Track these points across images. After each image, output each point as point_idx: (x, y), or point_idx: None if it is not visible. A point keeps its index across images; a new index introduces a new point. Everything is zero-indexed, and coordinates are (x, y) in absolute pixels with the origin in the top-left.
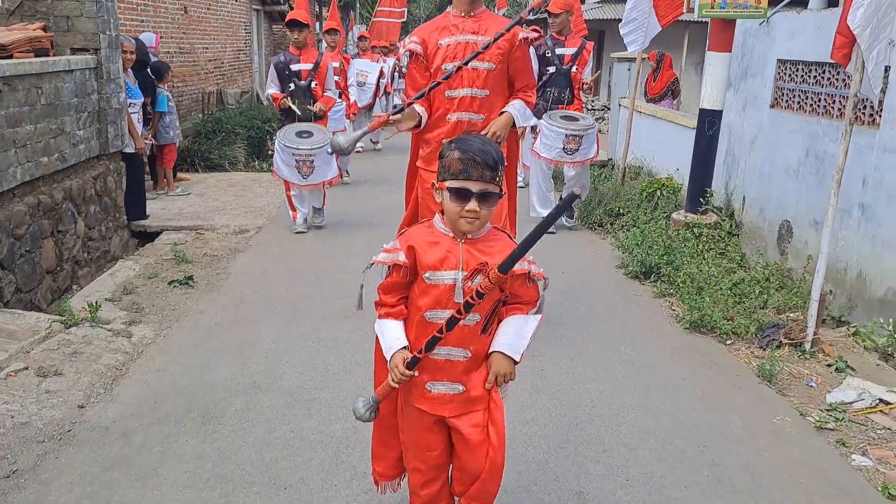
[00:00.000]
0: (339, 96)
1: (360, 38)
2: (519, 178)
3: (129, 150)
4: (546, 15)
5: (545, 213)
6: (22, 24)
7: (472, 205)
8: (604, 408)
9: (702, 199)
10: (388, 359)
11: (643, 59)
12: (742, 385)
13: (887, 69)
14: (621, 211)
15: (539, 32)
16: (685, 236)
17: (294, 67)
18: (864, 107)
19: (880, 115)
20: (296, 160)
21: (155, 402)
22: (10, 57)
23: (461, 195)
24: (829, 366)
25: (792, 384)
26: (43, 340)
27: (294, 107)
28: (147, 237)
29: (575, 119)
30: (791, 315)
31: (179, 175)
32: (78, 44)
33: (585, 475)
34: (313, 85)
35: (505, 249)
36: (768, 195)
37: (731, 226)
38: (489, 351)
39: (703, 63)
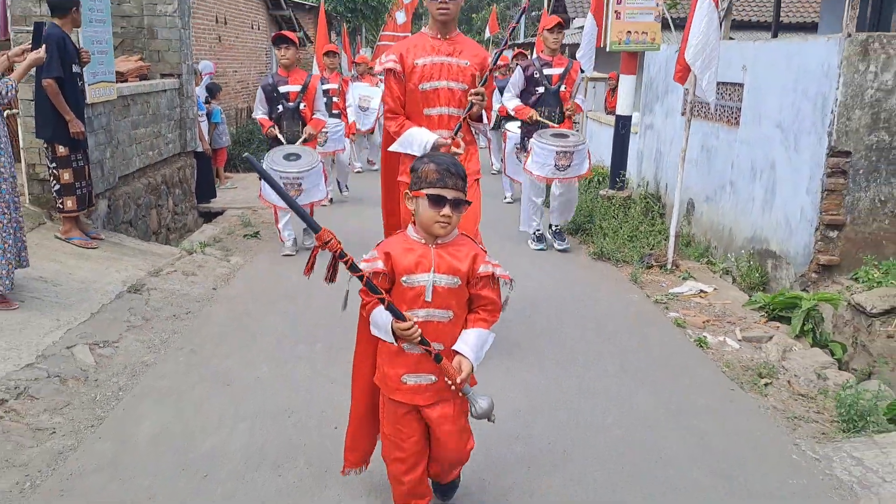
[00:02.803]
0: (339, 117)
1: (356, 63)
2: (507, 195)
3: (199, 149)
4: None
5: (533, 224)
6: (125, 56)
7: (447, 210)
8: (529, 289)
9: (617, 179)
10: (391, 335)
11: (604, 78)
12: (617, 285)
13: (742, 85)
14: None
15: (507, 64)
16: (605, 205)
17: (282, 89)
18: (733, 111)
19: (739, 117)
20: (284, 184)
21: (256, 289)
22: (126, 81)
23: (437, 202)
24: (679, 277)
25: (650, 285)
26: (178, 259)
27: (280, 136)
28: (210, 216)
29: (565, 136)
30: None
31: (225, 174)
32: (166, 71)
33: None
34: (302, 107)
35: (471, 253)
36: (678, 181)
37: (652, 202)
38: (454, 347)
39: None
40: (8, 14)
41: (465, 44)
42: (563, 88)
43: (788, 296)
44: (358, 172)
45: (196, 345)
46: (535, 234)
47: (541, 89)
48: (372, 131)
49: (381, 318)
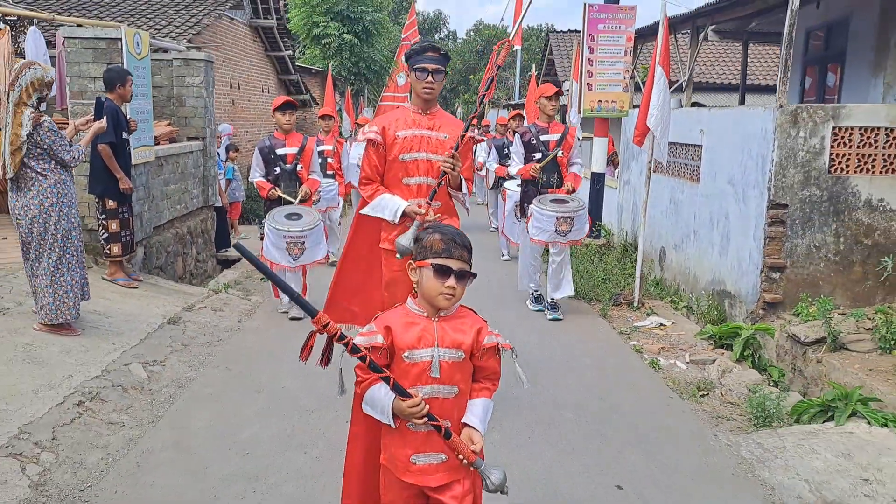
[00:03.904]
0: (333, 177)
1: (358, 124)
2: (504, 252)
3: (218, 204)
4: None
5: (532, 283)
6: (156, 122)
7: (452, 281)
8: (503, 326)
9: (593, 229)
10: (390, 416)
11: (589, 137)
12: (588, 319)
13: (701, 146)
14: None
15: (476, 137)
16: (582, 251)
17: (279, 152)
18: (694, 169)
19: (699, 174)
20: (286, 242)
21: (275, 321)
22: (158, 144)
23: (442, 272)
24: (644, 313)
25: (617, 319)
26: (207, 298)
27: (283, 195)
28: (227, 264)
29: (565, 202)
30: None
31: (239, 228)
32: (192, 134)
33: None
34: (298, 168)
35: (475, 325)
36: (653, 230)
37: (631, 250)
38: (463, 420)
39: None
40: (67, 90)
41: (444, 119)
42: (560, 154)
43: (731, 326)
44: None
45: (230, 363)
46: (533, 294)
47: (538, 155)
48: None
49: (379, 397)
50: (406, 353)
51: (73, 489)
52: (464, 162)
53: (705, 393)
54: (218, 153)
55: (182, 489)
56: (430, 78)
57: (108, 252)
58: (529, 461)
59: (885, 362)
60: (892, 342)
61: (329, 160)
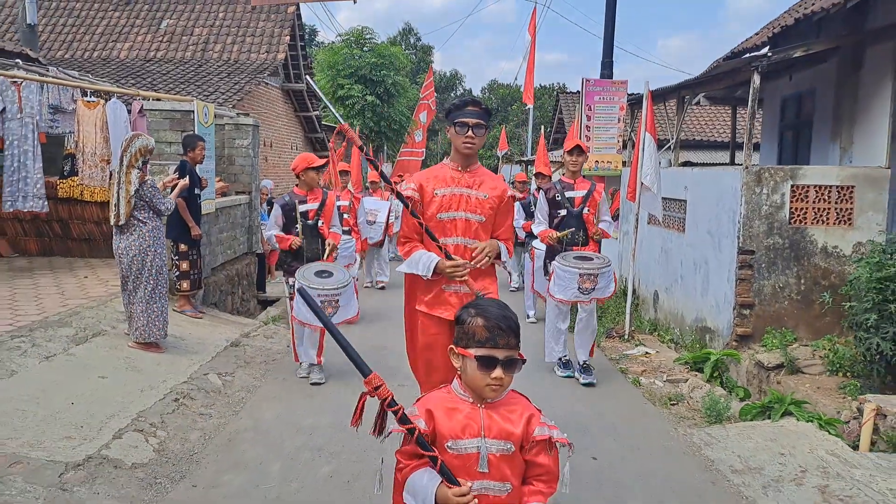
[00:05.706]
0: (349, 233)
1: (371, 182)
2: (530, 314)
3: (260, 250)
4: (568, 153)
5: (558, 349)
6: None
7: (498, 372)
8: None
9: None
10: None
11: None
12: None
13: (685, 201)
14: None
15: (522, 193)
16: None
17: (301, 208)
18: (680, 221)
19: (685, 225)
20: (320, 301)
21: None
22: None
23: (487, 364)
24: (634, 344)
25: (610, 349)
26: (259, 328)
27: (302, 244)
28: (266, 303)
29: (589, 258)
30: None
31: (275, 272)
32: (240, 189)
33: None
34: (320, 224)
35: (525, 413)
36: (648, 276)
37: (625, 292)
38: None
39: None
40: None
41: (484, 176)
42: (586, 211)
43: (702, 352)
44: (367, 287)
45: (286, 376)
46: (560, 359)
47: (563, 212)
48: (381, 244)
49: (421, 485)
50: (450, 443)
51: (184, 454)
52: (504, 221)
53: (675, 403)
54: (263, 206)
55: (266, 454)
56: (470, 132)
57: (178, 287)
58: None
59: (830, 382)
60: (837, 365)
61: (345, 216)
